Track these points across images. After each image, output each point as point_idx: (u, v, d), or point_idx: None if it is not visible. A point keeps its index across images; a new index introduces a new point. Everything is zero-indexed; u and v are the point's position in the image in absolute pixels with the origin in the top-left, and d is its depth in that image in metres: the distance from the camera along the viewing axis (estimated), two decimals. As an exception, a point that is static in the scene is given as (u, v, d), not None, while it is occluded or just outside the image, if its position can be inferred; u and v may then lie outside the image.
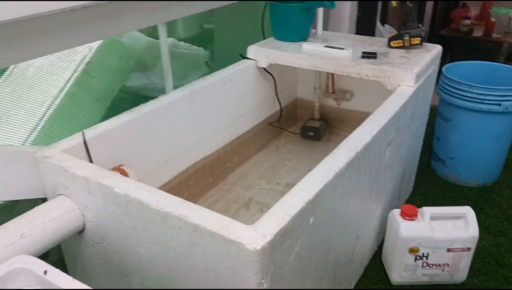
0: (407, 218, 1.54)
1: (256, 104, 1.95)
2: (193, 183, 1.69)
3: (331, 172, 1.08)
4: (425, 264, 1.58)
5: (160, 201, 0.96)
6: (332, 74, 2.10)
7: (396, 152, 1.54)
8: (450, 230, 1.54)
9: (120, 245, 1.11)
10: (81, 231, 1.16)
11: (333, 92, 2.15)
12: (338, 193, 1.14)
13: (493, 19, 3.40)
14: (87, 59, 1.44)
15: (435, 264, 1.58)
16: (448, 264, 1.58)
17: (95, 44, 1.45)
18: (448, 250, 1.54)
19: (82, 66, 1.43)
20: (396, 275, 1.62)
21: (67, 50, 1.18)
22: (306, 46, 1.82)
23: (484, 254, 1.78)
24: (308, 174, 1.07)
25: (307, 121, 2.22)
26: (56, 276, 0.80)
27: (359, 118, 1.43)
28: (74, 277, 0.80)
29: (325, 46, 1.77)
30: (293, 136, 2.23)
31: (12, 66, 1.30)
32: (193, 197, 1.70)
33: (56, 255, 1.40)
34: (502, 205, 2.07)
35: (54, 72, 1.38)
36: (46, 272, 0.81)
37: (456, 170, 2.22)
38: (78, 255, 1.26)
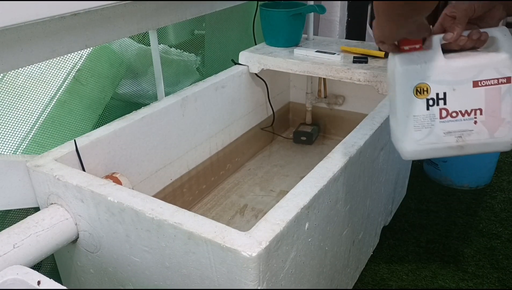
0: (405, 48, 1.00)
1: (249, 110, 1.95)
2: (187, 191, 1.68)
3: (325, 177, 1.08)
4: (444, 112, 1.00)
5: (155, 209, 0.96)
6: (324, 79, 2.11)
7: (389, 156, 1.54)
8: (473, 54, 1.00)
9: (114, 254, 1.10)
10: (74, 241, 1.15)
11: (325, 97, 2.16)
12: (333, 198, 1.13)
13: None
14: (77, 67, 1.42)
15: (460, 112, 1.00)
16: (481, 110, 1.00)
17: (85, 52, 1.44)
18: (475, 84, 0.99)
19: (72, 73, 1.41)
20: (408, 143, 1.03)
21: (57, 58, 1.17)
22: (297, 51, 1.82)
23: (479, 257, 1.78)
24: (302, 180, 1.07)
25: (299, 126, 2.22)
26: (50, 286, 0.79)
27: (352, 123, 1.43)
28: (68, 287, 0.79)
29: (317, 51, 1.78)
30: (286, 142, 2.22)
31: (1, 75, 1.29)
32: (187, 205, 1.70)
33: (49, 265, 1.38)
34: (495, 208, 2.08)
35: (45, 80, 1.37)
36: (40, 283, 0.80)
37: (448, 173, 2.23)
38: (72, 265, 1.25)
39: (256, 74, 1.89)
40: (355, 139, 1.25)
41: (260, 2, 1.97)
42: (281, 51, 1.87)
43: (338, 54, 1.74)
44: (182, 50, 1.83)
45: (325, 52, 1.76)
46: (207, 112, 1.68)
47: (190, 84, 1.70)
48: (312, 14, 2.00)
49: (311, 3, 1.96)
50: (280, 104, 2.22)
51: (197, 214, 0.94)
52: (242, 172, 1.97)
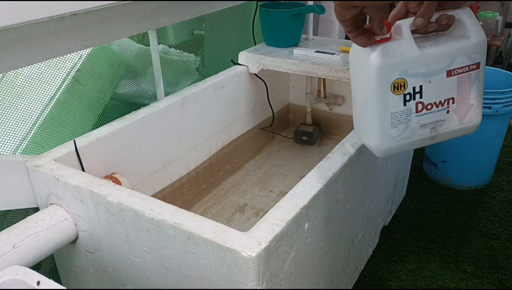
0: (376, 38, 0.95)
1: (248, 110, 1.95)
2: (187, 190, 1.68)
3: (325, 177, 1.08)
4: (420, 106, 0.99)
5: (154, 209, 0.96)
6: (324, 79, 2.11)
7: (388, 156, 1.54)
8: (443, 42, 0.98)
9: (114, 254, 1.10)
10: (74, 241, 1.15)
11: (325, 97, 2.16)
12: (332, 198, 1.13)
13: (480, 23, 3.42)
14: (77, 67, 1.42)
15: (435, 103, 1.00)
16: (453, 99, 1.01)
17: (85, 52, 1.44)
18: (449, 74, 0.98)
19: (72, 74, 1.41)
20: (383, 141, 1.00)
21: (56, 58, 1.17)
22: (297, 51, 1.82)
23: (478, 257, 1.78)
24: (302, 180, 1.06)
25: (300, 126, 2.22)
26: (49, 286, 0.79)
27: (351, 123, 1.43)
28: (67, 287, 0.79)
29: (316, 51, 1.78)
30: (286, 141, 2.22)
31: (0, 75, 1.29)
32: (187, 204, 1.70)
33: (49, 265, 1.38)
34: (494, 208, 2.08)
35: (44, 81, 1.37)
36: (39, 283, 0.80)
37: (448, 173, 2.23)
38: (71, 265, 1.25)
39: (255, 74, 1.89)
40: (354, 139, 1.25)
41: (259, 2, 1.97)
42: (280, 51, 1.87)
43: (337, 54, 1.74)
44: (181, 50, 1.83)
45: (324, 52, 1.76)
46: (207, 112, 1.68)
47: (190, 84, 1.70)
48: (311, 14, 2.00)
49: (311, 3, 1.96)
50: (279, 104, 2.22)
51: (197, 213, 0.94)
52: (242, 172, 1.97)
